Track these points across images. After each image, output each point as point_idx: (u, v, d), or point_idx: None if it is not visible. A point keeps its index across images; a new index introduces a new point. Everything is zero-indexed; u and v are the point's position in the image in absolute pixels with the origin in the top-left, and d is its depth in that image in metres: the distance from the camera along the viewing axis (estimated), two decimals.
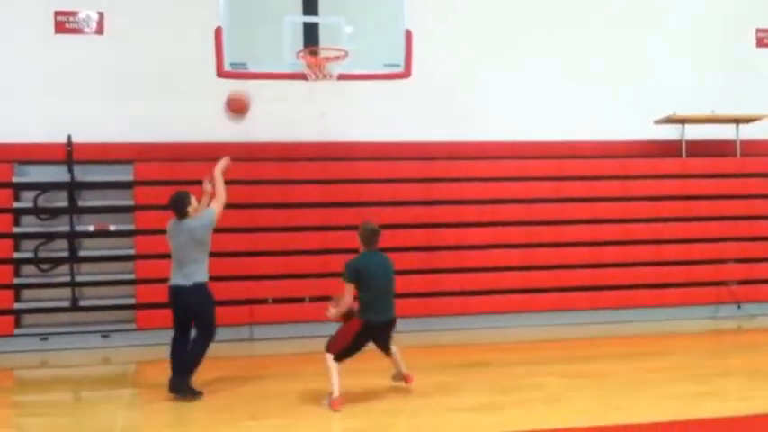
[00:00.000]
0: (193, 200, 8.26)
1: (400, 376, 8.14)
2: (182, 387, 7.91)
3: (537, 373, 8.97)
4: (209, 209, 8.31)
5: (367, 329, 7.56)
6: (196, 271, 8.11)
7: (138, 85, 12.25)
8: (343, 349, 7.54)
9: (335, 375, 7.42)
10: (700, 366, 9.34)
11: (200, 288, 8.07)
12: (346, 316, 7.67)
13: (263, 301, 11.82)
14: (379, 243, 7.74)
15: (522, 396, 7.89)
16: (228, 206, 11.91)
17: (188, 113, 12.30)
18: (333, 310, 7.67)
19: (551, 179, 12.96)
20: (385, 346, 7.92)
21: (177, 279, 8.08)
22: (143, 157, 12.10)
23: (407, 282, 11.88)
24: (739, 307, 12.90)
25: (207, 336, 8.16)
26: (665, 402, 7.51)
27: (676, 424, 6.83)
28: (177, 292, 8.05)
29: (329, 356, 7.53)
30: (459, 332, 12.07)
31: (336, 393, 7.35)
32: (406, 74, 10.38)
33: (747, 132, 13.68)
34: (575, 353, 10.47)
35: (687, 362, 9.67)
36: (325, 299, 12.12)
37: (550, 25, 13.62)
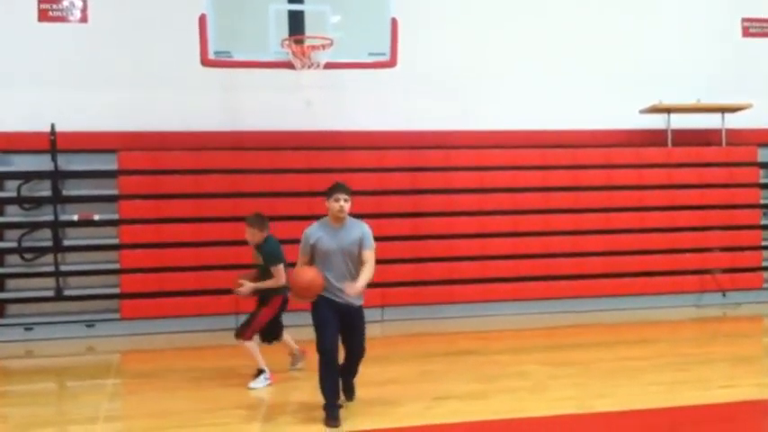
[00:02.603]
0: None
1: (298, 356, 8.72)
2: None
3: (521, 362, 9.00)
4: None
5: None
6: None
7: (122, 74, 12.18)
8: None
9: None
10: (683, 354, 9.39)
11: None
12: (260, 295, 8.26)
13: None
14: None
15: (507, 384, 7.92)
16: (215, 195, 12.01)
17: (172, 102, 12.24)
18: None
19: (538, 168, 12.97)
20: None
21: None
22: (127, 146, 12.04)
23: (394, 271, 11.92)
24: (724, 295, 12.96)
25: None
26: (648, 390, 7.54)
27: (659, 411, 6.86)
28: None
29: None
30: (445, 321, 12.08)
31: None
32: (391, 63, 10.37)
33: (733, 121, 13.72)
34: (559, 341, 10.51)
35: (671, 350, 9.72)
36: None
37: (537, 15, 13.60)
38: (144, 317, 11.50)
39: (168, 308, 11.53)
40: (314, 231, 6.67)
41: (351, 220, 6.72)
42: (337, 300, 6.66)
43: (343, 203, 6.59)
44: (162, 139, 12.20)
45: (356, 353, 6.92)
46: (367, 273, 6.57)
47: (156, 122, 12.21)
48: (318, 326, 6.67)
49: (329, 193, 6.64)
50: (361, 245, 6.63)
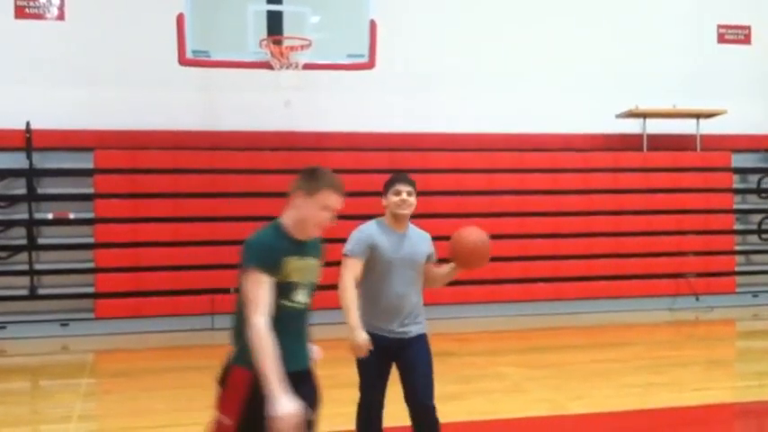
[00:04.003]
0: None
1: None
2: None
3: (498, 363, 9.04)
4: None
5: None
6: None
7: (99, 72, 12.10)
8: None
9: None
10: (657, 357, 9.47)
11: None
12: None
13: (225, 291, 11.73)
14: None
15: (484, 386, 7.95)
16: (192, 195, 11.95)
17: (150, 101, 12.19)
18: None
19: (514, 171, 13.03)
20: None
21: None
22: (104, 145, 11.97)
23: None
24: (697, 299, 13.07)
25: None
26: (623, 392, 7.60)
27: (635, 413, 6.91)
28: None
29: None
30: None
31: None
32: (370, 64, 10.40)
33: (708, 127, 13.86)
34: (535, 343, 10.56)
35: (645, 352, 9.79)
36: None
37: (515, 19, 13.66)
38: (119, 316, 11.42)
39: (144, 307, 11.46)
40: (370, 228, 4.99)
41: (411, 226, 5.13)
42: (385, 333, 4.88)
43: (405, 196, 4.96)
44: (139, 138, 12.14)
45: (423, 410, 5.08)
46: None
47: (134, 121, 12.15)
48: (363, 376, 5.04)
49: (387, 185, 5.05)
50: (429, 257, 5.14)
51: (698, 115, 13.72)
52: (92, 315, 11.44)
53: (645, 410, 6.98)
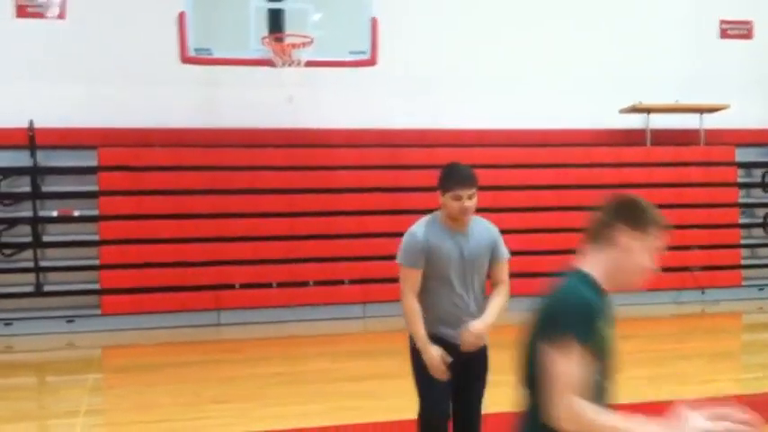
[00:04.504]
0: None
1: None
2: None
3: (505, 357, 9.01)
4: None
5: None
6: None
7: (101, 70, 12.10)
8: None
9: None
10: (663, 350, 9.48)
11: None
12: None
13: (230, 287, 11.78)
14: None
15: (491, 378, 7.92)
16: (196, 192, 11.98)
17: (153, 99, 12.18)
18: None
19: (519, 167, 13.01)
20: None
21: None
22: (107, 143, 11.98)
23: (376, 267, 11.92)
24: (703, 292, 13.06)
25: None
26: (628, 383, 7.53)
27: (639, 405, 6.90)
28: None
29: None
30: None
31: None
32: (371, 62, 10.42)
33: (711, 122, 13.84)
34: None
35: (651, 345, 9.79)
36: (292, 285, 12.19)
37: (517, 14, 13.63)
38: (124, 313, 11.44)
39: (149, 303, 11.48)
40: (423, 231, 4.40)
41: (474, 219, 4.51)
42: (453, 340, 4.38)
43: (466, 202, 4.33)
44: (142, 136, 12.15)
45: (471, 421, 4.61)
46: (500, 301, 4.50)
47: (137, 119, 12.15)
48: (421, 384, 4.46)
49: (444, 184, 4.41)
50: (493, 254, 4.52)
51: (701, 110, 13.70)
52: (97, 311, 11.45)
53: (650, 403, 6.98)
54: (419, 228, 4.41)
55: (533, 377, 2.69)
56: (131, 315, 11.43)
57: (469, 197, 4.32)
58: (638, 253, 2.77)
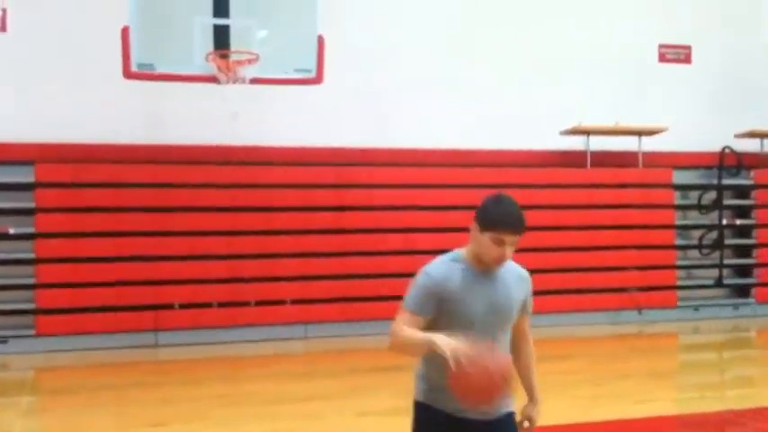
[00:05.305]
0: None
1: None
2: None
3: None
4: None
5: None
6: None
7: (41, 84, 11.88)
8: None
9: None
10: (600, 370, 9.59)
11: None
12: None
13: (169, 307, 11.61)
14: None
15: None
16: (135, 209, 11.80)
17: (94, 114, 11.98)
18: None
19: (460, 187, 13.05)
20: None
21: None
22: (45, 158, 11.75)
23: (320, 287, 11.89)
24: (640, 313, 13.27)
25: None
26: (566, 404, 7.65)
27: (577, 426, 6.97)
28: None
29: None
30: (374, 337, 12.06)
31: None
32: (317, 79, 10.39)
33: (649, 144, 14.10)
34: None
35: (588, 365, 9.91)
36: (233, 304, 12.10)
37: (459, 35, 13.76)
38: (60, 333, 11.20)
39: (86, 324, 11.26)
40: (443, 271, 3.53)
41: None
42: (473, 415, 3.47)
43: (508, 250, 3.45)
44: (82, 152, 11.94)
45: None
46: (535, 364, 3.96)
47: (77, 134, 11.94)
48: None
49: (485, 220, 3.48)
50: (524, 306, 3.82)
51: (640, 132, 13.96)
52: (32, 332, 11.19)
53: (587, 423, 7.05)
54: (438, 267, 3.55)
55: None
56: (67, 336, 11.18)
57: (512, 244, 3.43)
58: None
